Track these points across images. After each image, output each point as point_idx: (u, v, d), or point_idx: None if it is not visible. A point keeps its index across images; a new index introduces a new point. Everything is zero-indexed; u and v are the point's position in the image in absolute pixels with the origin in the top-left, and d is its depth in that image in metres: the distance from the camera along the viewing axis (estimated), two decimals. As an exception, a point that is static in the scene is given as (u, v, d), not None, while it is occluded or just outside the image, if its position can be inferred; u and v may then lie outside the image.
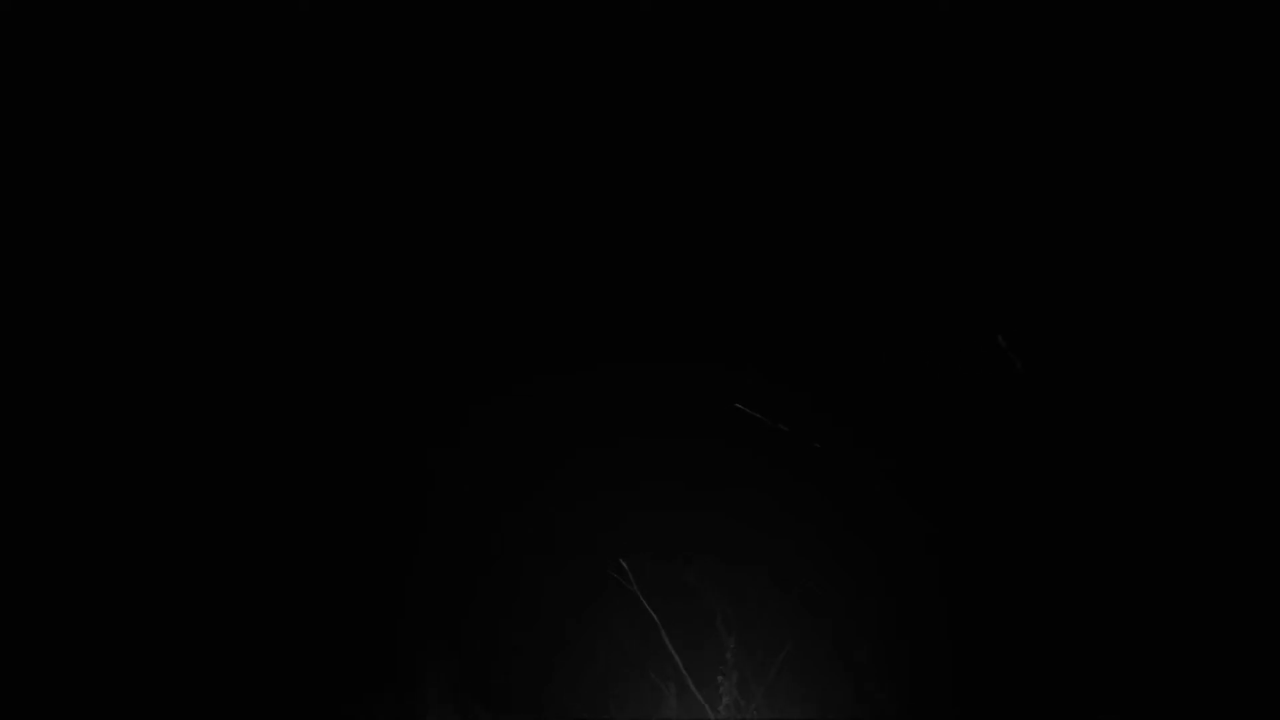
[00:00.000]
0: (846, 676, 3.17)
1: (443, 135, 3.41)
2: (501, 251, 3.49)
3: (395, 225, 3.42)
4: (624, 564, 3.14)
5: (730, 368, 3.52)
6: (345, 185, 3.35)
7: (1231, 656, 2.52)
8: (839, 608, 3.28)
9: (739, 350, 3.52)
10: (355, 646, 2.91)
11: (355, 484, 3.10)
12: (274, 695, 2.79)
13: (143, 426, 3.19)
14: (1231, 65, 2.86)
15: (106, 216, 3.23)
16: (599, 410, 3.55)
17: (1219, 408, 2.74)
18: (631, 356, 3.54)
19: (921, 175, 3.25)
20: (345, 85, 3.29)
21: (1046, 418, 2.93)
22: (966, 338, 3.11)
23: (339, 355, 3.34)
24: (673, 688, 3.21)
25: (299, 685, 2.82)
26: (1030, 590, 2.83)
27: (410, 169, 3.41)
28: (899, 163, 3.27)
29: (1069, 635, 2.76)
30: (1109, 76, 2.99)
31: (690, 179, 3.45)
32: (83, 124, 3.17)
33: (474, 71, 3.38)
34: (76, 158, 3.16)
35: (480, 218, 3.48)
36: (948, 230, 3.23)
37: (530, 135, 3.41)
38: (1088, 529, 2.81)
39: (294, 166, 3.29)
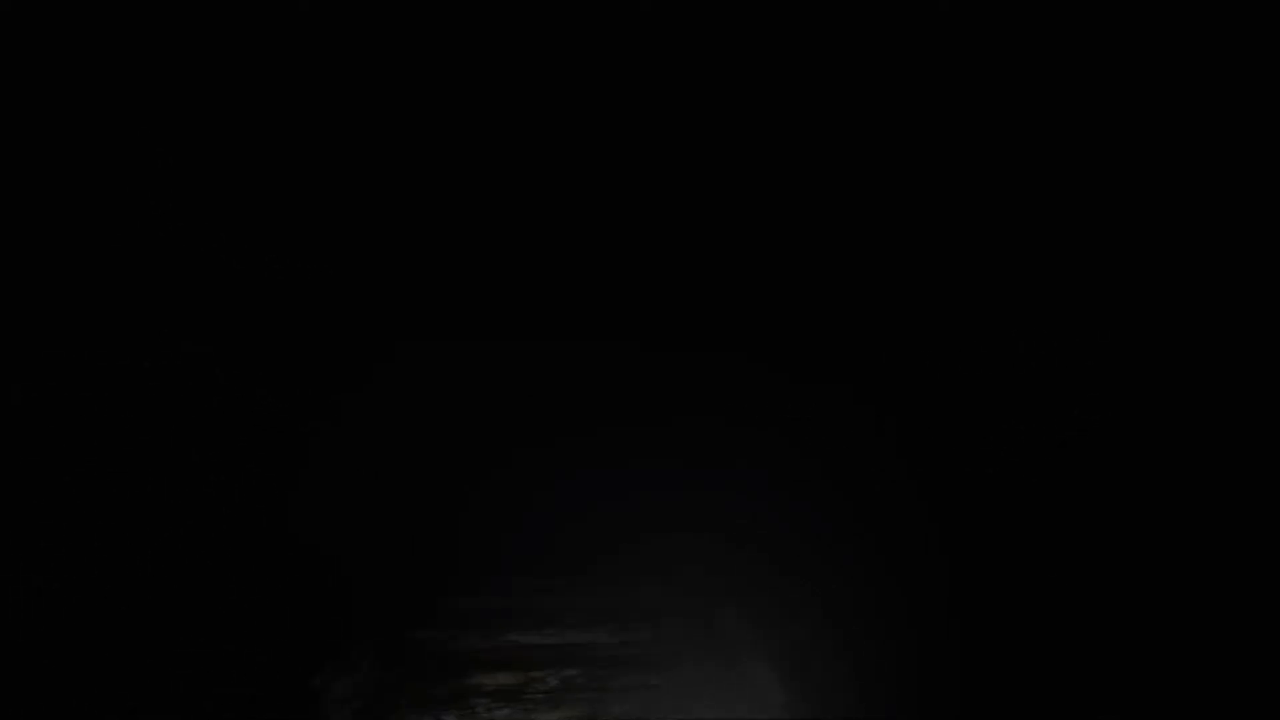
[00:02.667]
0: (849, 668, 3.18)
1: (445, 134, 3.41)
2: (509, 254, 3.50)
3: (408, 220, 3.42)
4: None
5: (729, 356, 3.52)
6: (349, 182, 3.34)
7: (1232, 656, 2.53)
8: (844, 599, 3.30)
9: (740, 340, 3.53)
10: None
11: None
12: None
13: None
14: (1232, 65, 2.86)
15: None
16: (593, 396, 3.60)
17: (1222, 409, 2.75)
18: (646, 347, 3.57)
19: (917, 173, 3.25)
20: (345, 85, 3.28)
21: (1050, 416, 2.93)
22: (969, 336, 3.11)
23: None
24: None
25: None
26: (1033, 589, 2.84)
27: (413, 167, 3.40)
28: (895, 162, 3.27)
29: (1070, 635, 2.77)
30: (1109, 76, 2.99)
31: (688, 178, 3.45)
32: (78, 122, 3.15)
33: (474, 70, 3.37)
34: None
35: (489, 220, 3.48)
36: (946, 228, 3.23)
37: (535, 134, 3.41)
38: (1088, 528, 2.81)
39: (292, 165, 3.29)
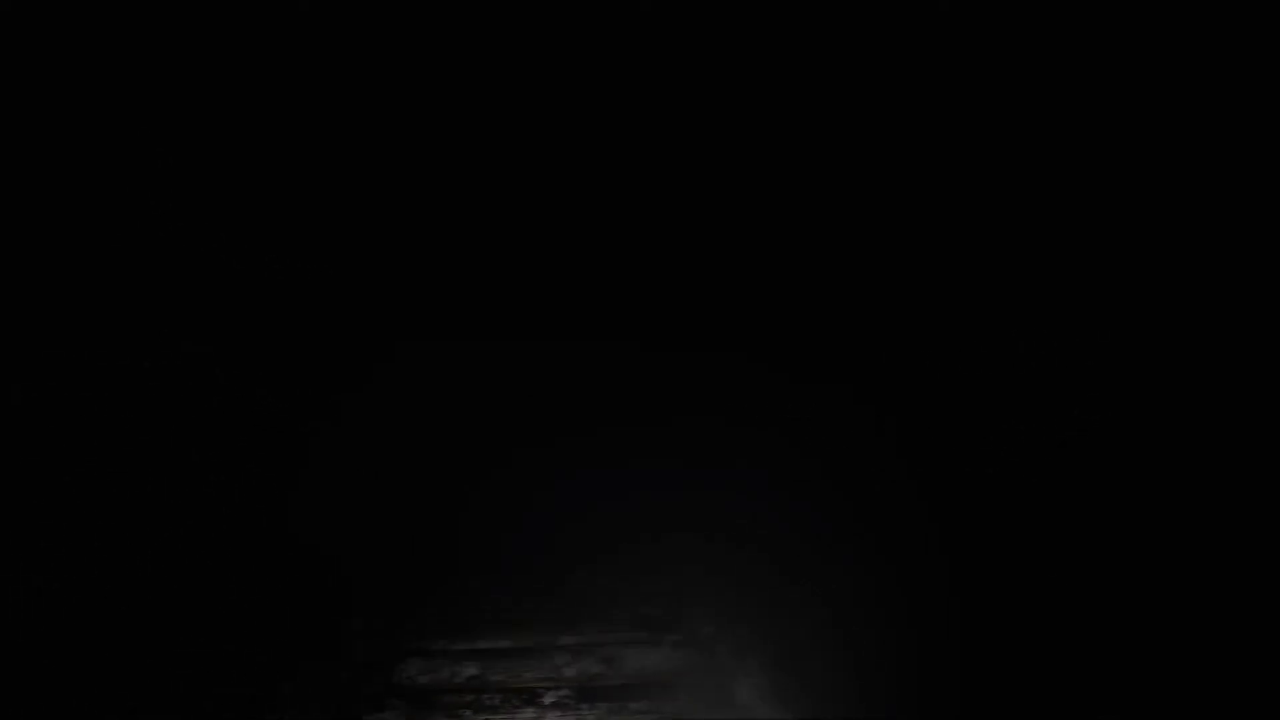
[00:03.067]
0: (850, 668, 3.17)
1: (444, 134, 3.40)
2: (518, 253, 3.51)
3: (415, 216, 3.43)
4: None
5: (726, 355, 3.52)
6: (349, 183, 3.34)
7: (1232, 656, 2.53)
8: (844, 599, 3.29)
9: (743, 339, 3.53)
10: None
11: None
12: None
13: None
14: (1233, 66, 2.86)
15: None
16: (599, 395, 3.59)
17: (1222, 409, 2.74)
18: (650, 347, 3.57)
19: (917, 173, 3.25)
20: (345, 85, 3.28)
21: (1050, 416, 2.93)
22: (971, 334, 3.11)
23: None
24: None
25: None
26: (1033, 589, 2.84)
27: (413, 168, 3.40)
28: (895, 162, 3.27)
29: (1070, 635, 2.76)
30: (1111, 76, 2.99)
31: (687, 178, 3.44)
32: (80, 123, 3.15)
33: (473, 70, 3.37)
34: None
35: (489, 221, 3.48)
36: (946, 228, 3.23)
37: (534, 134, 3.40)
38: (1089, 528, 2.81)
39: (292, 166, 3.28)
